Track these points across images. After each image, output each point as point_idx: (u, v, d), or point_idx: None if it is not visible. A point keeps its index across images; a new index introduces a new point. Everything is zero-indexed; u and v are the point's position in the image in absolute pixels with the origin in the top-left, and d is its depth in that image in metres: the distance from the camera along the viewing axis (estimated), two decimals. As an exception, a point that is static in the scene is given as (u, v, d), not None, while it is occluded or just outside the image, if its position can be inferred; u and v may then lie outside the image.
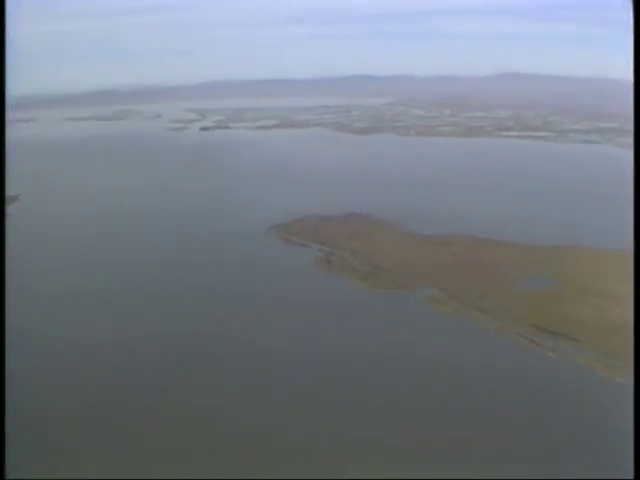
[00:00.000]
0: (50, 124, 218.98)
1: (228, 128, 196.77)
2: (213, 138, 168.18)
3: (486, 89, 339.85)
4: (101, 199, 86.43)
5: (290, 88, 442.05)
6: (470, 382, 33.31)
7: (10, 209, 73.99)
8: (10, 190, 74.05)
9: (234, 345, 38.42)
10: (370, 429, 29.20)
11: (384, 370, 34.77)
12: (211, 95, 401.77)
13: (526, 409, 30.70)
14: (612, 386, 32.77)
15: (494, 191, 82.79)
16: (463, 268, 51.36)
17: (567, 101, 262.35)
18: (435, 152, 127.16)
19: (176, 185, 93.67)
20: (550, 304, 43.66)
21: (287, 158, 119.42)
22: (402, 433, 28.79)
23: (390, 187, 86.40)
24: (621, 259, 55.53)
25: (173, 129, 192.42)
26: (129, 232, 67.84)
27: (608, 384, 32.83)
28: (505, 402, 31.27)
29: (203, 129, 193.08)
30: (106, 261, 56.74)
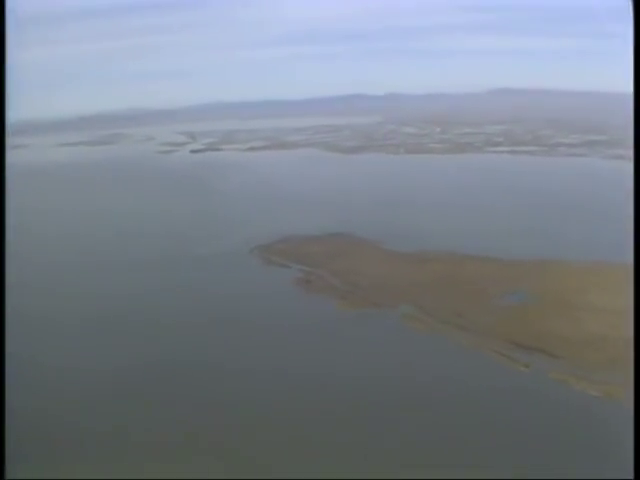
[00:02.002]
0: (41, 150, 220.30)
1: (219, 150, 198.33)
2: (203, 160, 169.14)
3: (476, 105, 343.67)
4: (89, 223, 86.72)
5: (281, 109, 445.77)
6: (444, 398, 33.20)
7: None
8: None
9: (215, 368, 38.20)
10: (349, 447, 29.09)
11: (361, 388, 34.64)
12: (202, 117, 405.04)
13: (500, 423, 30.64)
14: (585, 399, 32.76)
15: (481, 207, 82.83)
16: (441, 285, 51.27)
17: (557, 115, 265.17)
18: (424, 170, 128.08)
19: (163, 208, 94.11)
20: (528, 319, 43.45)
21: (275, 179, 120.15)
22: (380, 449, 28.68)
23: (375, 206, 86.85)
24: (603, 271, 55.98)
25: (164, 152, 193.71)
26: (116, 254, 67.97)
27: (581, 397, 32.78)
28: (478, 417, 31.20)
29: (194, 152, 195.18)
30: (92, 284, 56.80)
